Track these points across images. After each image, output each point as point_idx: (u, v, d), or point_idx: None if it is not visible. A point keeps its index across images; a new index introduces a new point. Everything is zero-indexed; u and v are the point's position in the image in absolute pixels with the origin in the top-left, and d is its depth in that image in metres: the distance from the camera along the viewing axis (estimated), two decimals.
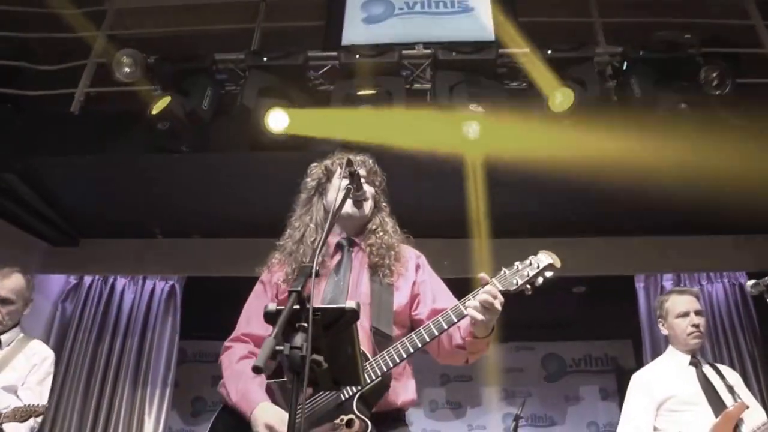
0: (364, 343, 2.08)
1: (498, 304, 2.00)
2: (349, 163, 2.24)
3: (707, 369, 3.37)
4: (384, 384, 2.05)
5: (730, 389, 3.21)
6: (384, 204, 2.49)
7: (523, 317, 6.34)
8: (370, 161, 2.48)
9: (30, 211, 5.12)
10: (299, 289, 1.54)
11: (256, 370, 1.33)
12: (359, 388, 1.99)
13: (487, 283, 2.05)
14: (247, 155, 4.44)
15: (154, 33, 4.83)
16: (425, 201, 4.60)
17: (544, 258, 2.11)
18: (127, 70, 4.20)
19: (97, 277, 5.61)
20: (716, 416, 3.15)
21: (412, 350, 2.06)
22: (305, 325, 1.56)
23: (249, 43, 4.92)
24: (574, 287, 6.06)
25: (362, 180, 2.36)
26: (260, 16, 5.16)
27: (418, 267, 2.39)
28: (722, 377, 3.28)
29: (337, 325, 1.65)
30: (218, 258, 5.41)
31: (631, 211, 4.87)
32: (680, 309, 3.43)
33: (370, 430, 1.94)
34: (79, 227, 5.47)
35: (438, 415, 6.45)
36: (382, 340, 2.13)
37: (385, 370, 2.04)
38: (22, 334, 3.58)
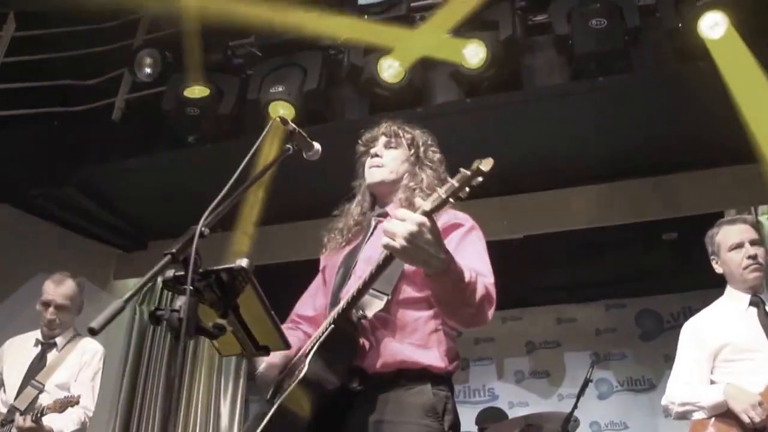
0: None
1: (401, 227, 1.73)
2: (284, 122, 2.14)
3: None
4: (347, 334, 2.00)
5: None
6: (426, 163, 2.34)
7: (610, 273, 6.17)
8: (387, 125, 2.40)
9: (96, 221, 5.50)
10: (173, 251, 1.56)
11: (91, 331, 1.36)
12: (317, 339, 1.99)
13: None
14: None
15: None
16: None
17: (475, 164, 1.76)
18: (147, 70, 4.37)
19: None
20: None
21: (355, 294, 1.97)
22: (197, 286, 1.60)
23: None
24: (663, 234, 5.74)
25: (383, 147, 2.34)
26: None
27: (451, 228, 2.16)
28: None
29: (234, 287, 1.66)
30: (280, 244, 5.51)
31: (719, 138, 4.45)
32: (732, 240, 3.12)
33: (304, 373, 1.90)
34: (145, 230, 5.80)
35: (524, 386, 6.34)
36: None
37: (336, 317, 1.99)
38: (75, 335, 3.90)
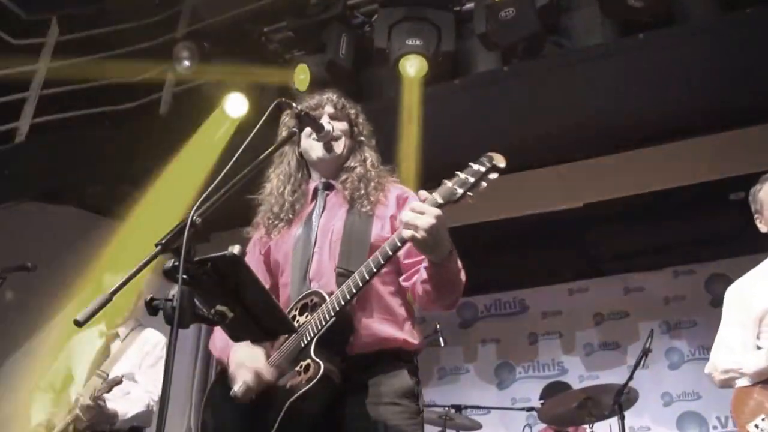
0: (331, 285, 2.12)
1: (423, 219, 1.84)
2: (287, 105, 2.21)
3: None
4: (343, 323, 2.06)
5: None
6: (363, 138, 2.45)
7: (677, 238, 6.00)
8: (334, 97, 2.45)
9: None
10: (163, 241, 1.64)
11: (76, 323, 1.46)
12: (316, 332, 2.02)
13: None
14: None
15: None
16: None
17: (486, 160, 1.89)
18: (186, 63, 4.51)
19: None
20: None
21: (361, 284, 2.01)
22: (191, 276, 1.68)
23: None
24: (731, 194, 5.51)
25: (328, 118, 2.36)
26: None
27: (402, 200, 2.30)
28: None
29: (230, 273, 1.73)
30: None
31: None
32: None
33: (322, 372, 1.95)
34: (206, 222, 5.99)
35: (594, 359, 6.26)
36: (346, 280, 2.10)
37: (338, 309, 2.02)
38: (137, 325, 4.11)
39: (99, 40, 4.98)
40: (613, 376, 5.84)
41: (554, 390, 5.22)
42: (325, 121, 2.32)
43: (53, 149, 4.88)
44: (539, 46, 4.24)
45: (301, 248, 2.27)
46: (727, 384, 3.05)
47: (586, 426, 4.57)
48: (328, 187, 2.39)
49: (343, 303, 2.02)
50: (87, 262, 5.18)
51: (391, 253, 1.97)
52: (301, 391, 1.96)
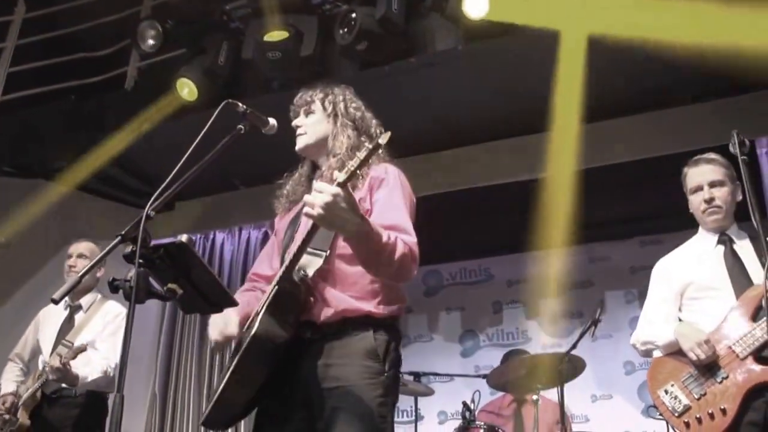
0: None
1: (319, 198, 2.09)
2: (234, 105, 2.53)
3: (742, 245, 3.26)
4: (290, 290, 2.38)
5: None
6: (344, 120, 2.68)
7: (643, 208, 6.34)
8: (308, 92, 2.74)
9: (123, 187, 6.21)
10: (122, 233, 2.06)
11: (53, 301, 1.90)
12: (265, 300, 2.39)
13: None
14: None
15: None
16: None
17: (375, 139, 2.21)
18: (150, 42, 4.85)
19: (199, 235, 6.57)
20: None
21: (292, 258, 2.35)
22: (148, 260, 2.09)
23: None
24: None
25: (304, 113, 2.70)
26: None
27: (377, 184, 2.53)
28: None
29: (179, 257, 2.12)
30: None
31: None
32: (693, 183, 3.33)
33: (252, 334, 2.30)
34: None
35: (558, 328, 6.52)
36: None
37: (278, 280, 2.37)
38: (99, 296, 4.60)
39: (66, 15, 5.28)
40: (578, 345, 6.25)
41: (513, 358, 5.42)
42: (300, 120, 2.70)
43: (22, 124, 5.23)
44: None
45: (289, 234, 2.64)
46: (646, 354, 3.40)
47: (534, 394, 4.85)
48: (319, 176, 2.68)
49: (282, 273, 2.38)
50: (54, 235, 5.62)
51: (310, 229, 2.29)
52: (242, 348, 2.34)
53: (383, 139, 2.15)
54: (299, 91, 2.79)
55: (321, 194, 2.11)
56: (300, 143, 2.71)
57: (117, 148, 5.08)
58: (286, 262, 2.39)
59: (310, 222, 2.27)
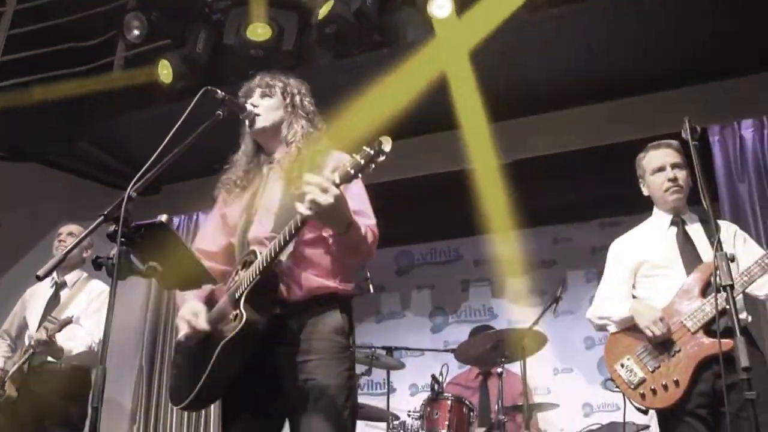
0: (264, 248, 2.51)
1: (324, 198, 2.18)
2: (213, 92, 2.61)
3: (693, 227, 3.44)
4: (270, 279, 2.49)
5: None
6: (296, 109, 2.80)
7: (603, 192, 6.57)
8: (266, 77, 2.84)
9: (110, 170, 6.42)
10: (105, 213, 2.22)
11: (38, 278, 2.11)
12: (246, 287, 2.46)
13: None
14: None
15: None
16: None
17: (377, 144, 2.18)
18: (136, 32, 5.08)
19: (183, 216, 6.82)
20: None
21: (278, 250, 2.43)
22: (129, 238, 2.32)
23: None
24: None
25: (259, 97, 2.80)
26: None
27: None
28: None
29: (159, 236, 2.26)
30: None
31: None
32: (655, 164, 3.49)
33: (245, 320, 2.38)
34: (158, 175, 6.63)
35: (522, 305, 6.69)
36: None
37: (262, 269, 2.44)
38: (85, 274, 4.80)
39: (55, 7, 5.49)
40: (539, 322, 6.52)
41: (479, 333, 5.66)
42: (255, 100, 2.78)
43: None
44: None
45: (245, 218, 2.73)
46: (602, 329, 3.56)
47: (498, 368, 5.01)
48: (272, 162, 2.81)
49: (265, 264, 2.45)
50: (46, 216, 5.85)
51: (294, 231, 2.39)
52: (229, 336, 2.39)
53: (387, 146, 2.18)
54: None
55: (325, 195, 2.22)
56: (257, 124, 2.76)
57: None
58: (268, 254, 2.46)
59: (298, 216, 2.34)
